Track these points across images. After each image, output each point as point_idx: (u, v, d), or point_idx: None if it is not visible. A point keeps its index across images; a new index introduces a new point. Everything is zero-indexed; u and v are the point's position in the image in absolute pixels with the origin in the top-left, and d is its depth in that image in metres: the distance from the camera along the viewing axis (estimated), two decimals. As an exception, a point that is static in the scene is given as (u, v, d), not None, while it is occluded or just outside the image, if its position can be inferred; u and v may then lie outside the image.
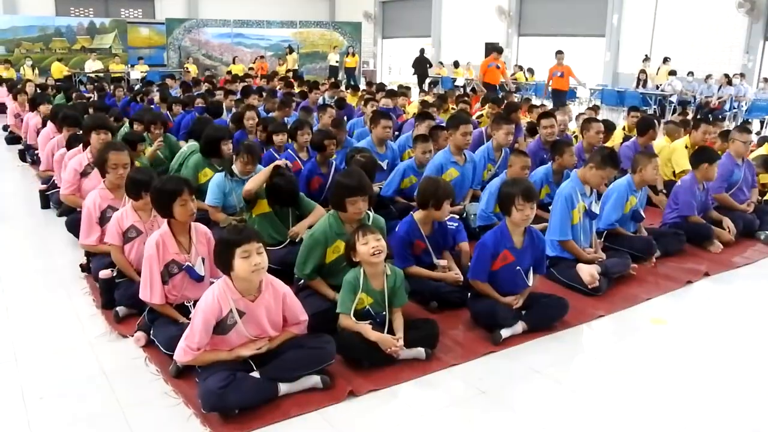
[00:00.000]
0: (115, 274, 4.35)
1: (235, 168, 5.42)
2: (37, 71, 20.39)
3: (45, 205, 7.01)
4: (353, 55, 24.33)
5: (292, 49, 25.04)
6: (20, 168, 9.58)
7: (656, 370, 3.67)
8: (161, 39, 25.54)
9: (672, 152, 7.63)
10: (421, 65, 22.49)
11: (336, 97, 11.98)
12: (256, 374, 3.23)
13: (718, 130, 8.19)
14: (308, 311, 3.81)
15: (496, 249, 4.02)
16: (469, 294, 4.20)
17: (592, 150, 6.93)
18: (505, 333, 3.89)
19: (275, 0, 28.92)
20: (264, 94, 11.39)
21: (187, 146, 6.76)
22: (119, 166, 4.77)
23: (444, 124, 6.98)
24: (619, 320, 4.35)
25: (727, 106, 15.33)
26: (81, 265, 4.99)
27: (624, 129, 9.34)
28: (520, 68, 20.59)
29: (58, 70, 20.97)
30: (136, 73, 21.49)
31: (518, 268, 4.05)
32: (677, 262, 5.43)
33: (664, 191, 7.32)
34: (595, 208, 4.90)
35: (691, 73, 16.29)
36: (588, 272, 4.60)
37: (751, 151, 7.59)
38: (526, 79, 19.88)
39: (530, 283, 4.12)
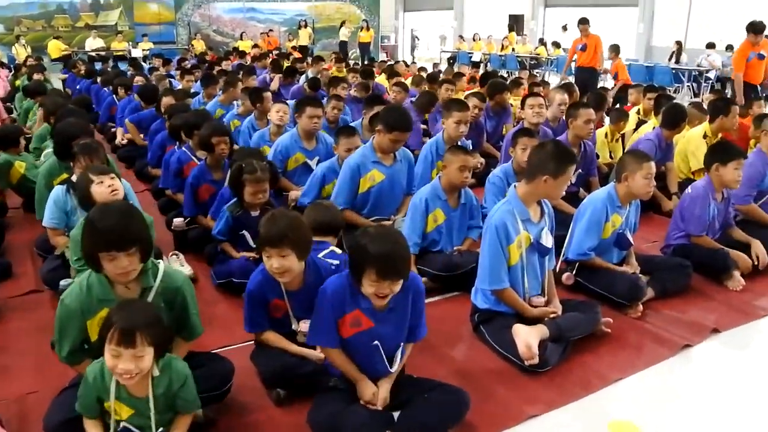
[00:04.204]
0: None
1: (75, 177, 4.05)
2: (29, 50, 19.32)
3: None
4: (368, 29, 22.69)
5: (306, 23, 23.57)
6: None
7: None
8: (171, 15, 24.33)
9: (688, 143, 5.98)
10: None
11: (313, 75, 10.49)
12: None
13: (753, 115, 6.54)
14: (56, 417, 2.50)
15: (340, 307, 2.59)
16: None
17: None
18: (356, 461, 2.44)
19: (289, -29, 27.46)
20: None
21: (44, 155, 5.43)
22: None
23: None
24: (565, 426, 2.83)
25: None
26: None
27: (639, 113, 7.67)
28: (542, 42, 18.74)
29: (56, 48, 19.90)
30: (138, 51, 20.29)
31: (376, 342, 2.60)
32: (676, 310, 3.86)
33: (679, 194, 5.72)
34: (547, 240, 3.35)
35: (730, 47, 14.13)
36: (524, 341, 3.07)
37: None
38: (548, 55, 18.00)
39: (394, 368, 2.67)
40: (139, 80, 8.92)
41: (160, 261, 2.69)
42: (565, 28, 19.43)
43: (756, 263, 4.35)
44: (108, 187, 3.47)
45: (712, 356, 3.44)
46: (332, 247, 3.25)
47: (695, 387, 3.15)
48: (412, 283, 2.66)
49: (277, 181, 4.37)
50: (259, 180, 3.87)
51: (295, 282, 2.82)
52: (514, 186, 3.36)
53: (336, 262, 3.13)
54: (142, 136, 7.23)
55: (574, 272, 4.00)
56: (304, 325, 2.91)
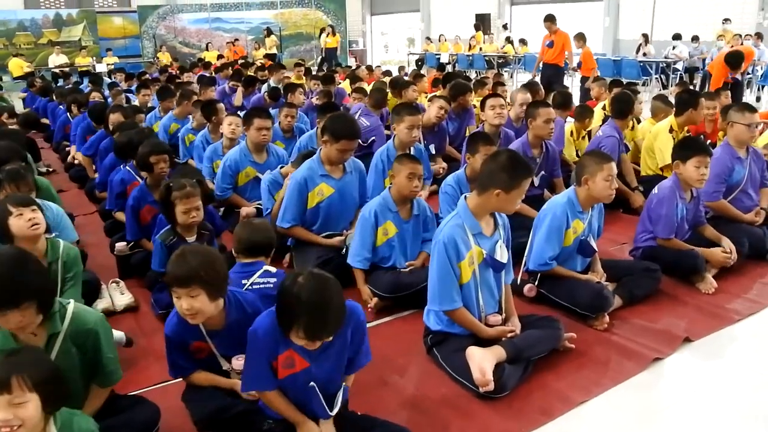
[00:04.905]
0: None
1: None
2: (-12, 69, 18.88)
3: None
4: (333, 34, 22.42)
5: (271, 31, 23.25)
6: None
7: None
8: (135, 28, 23.96)
9: (655, 138, 5.79)
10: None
11: (275, 85, 10.20)
12: None
13: (720, 106, 6.39)
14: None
15: (274, 349, 2.35)
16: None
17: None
18: None
19: (254, -20, 27.12)
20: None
21: None
22: None
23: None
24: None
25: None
26: None
27: (604, 109, 7.49)
28: (509, 40, 18.58)
29: (18, 66, 19.39)
30: (103, 65, 19.87)
31: (312, 384, 2.36)
32: (645, 319, 3.64)
33: (641, 188, 5.56)
34: (501, 255, 3.11)
35: (696, 38, 14.09)
36: (478, 365, 2.84)
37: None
38: (516, 52, 17.82)
39: (334, 411, 2.43)
40: (95, 96, 8.57)
41: (71, 301, 2.44)
42: (505, 26, 19.81)
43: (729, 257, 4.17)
44: (28, 221, 3.18)
45: (685, 369, 3.23)
46: (266, 267, 3.04)
47: (667, 405, 2.93)
48: (351, 315, 2.41)
49: (210, 199, 4.10)
50: (189, 195, 3.54)
51: (215, 321, 2.55)
52: (464, 197, 3.11)
53: (273, 280, 2.94)
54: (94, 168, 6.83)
55: (536, 283, 3.78)
56: (237, 362, 2.65)
